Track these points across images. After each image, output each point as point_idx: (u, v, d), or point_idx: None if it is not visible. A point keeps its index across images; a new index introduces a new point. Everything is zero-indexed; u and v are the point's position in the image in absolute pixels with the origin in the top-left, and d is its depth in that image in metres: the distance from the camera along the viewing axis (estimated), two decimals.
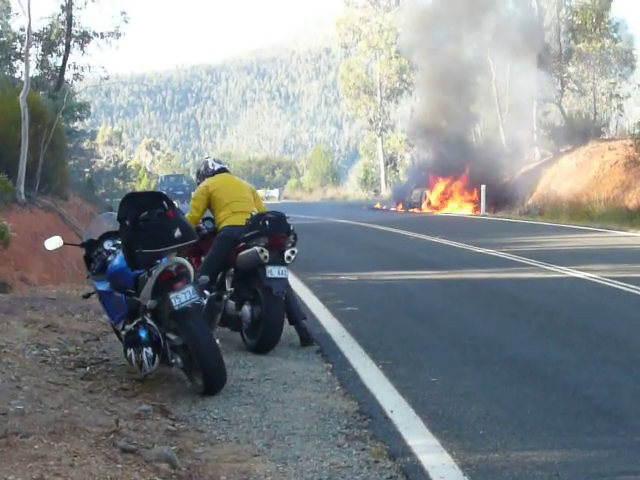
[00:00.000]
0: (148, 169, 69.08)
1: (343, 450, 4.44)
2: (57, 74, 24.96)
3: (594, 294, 9.92)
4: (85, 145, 46.80)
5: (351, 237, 19.66)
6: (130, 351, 5.43)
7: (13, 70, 25.18)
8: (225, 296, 6.28)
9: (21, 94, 16.73)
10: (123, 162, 61.26)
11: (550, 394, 5.47)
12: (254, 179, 70.58)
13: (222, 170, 7.71)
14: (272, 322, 6.75)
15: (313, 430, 4.79)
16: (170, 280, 5.45)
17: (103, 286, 5.92)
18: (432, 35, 34.90)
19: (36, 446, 3.97)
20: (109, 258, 5.98)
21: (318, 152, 72.46)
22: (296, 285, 10.14)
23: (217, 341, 5.51)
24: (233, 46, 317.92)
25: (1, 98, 17.96)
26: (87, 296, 6.43)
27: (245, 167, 79.41)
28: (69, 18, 24.17)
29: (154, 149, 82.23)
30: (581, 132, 29.57)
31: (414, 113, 42.40)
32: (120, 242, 5.73)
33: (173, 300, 5.35)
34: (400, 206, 36.53)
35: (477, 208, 30.47)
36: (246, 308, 6.90)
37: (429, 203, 33.81)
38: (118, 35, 24.95)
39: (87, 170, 44.53)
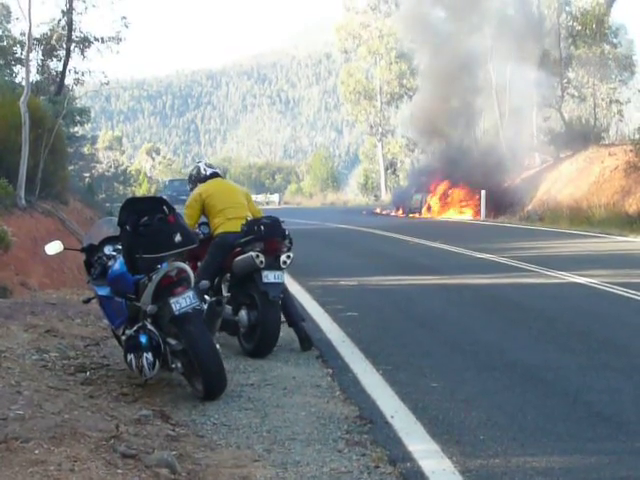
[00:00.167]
0: (148, 174, 68.99)
1: (343, 455, 4.44)
2: (57, 79, 24.94)
3: (594, 300, 9.92)
4: (85, 150, 46.80)
5: (351, 242, 19.65)
6: (130, 356, 5.44)
7: (14, 75, 25.19)
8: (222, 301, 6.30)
9: (21, 99, 16.72)
10: (123, 167, 61.20)
11: (551, 400, 5.46)
12: (254, 184, 70.68)
13: (214, 175, 7.62)
14: (269, 326, 6.78)
15: (313, 435, 4.79)
16: (170, 285, 5.45)
17: (103, 291, 5.93)
18: (432, 37, 34.97)
19: (36, 451, 3.96)
20: (109, 263, 5.98)
21: (318, 157, 72.46)
22: (296, 290, 10.16)
23: (217, 346, 5.52)
24: (233, 51, 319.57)
25: (1, 103, 17.94)
26: (87, 301, 6.43)
27: (245, 172, 79.36)
28: (69, 23, 24.16)
29: (154, 154, 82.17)
30: (581, 137, 29.54)
31: (413, 117, 42.39)
32: (120, 247, 5.73)
33: (173, 305, 5.35)
34: (400, 211, 36.55)
35: (477, 213, 30.48)
36: (243, 313, 6.92)
37: (429, 208, 33.83)
38: (119, 40, 24.94)
39: (87, 175, 44.47)
